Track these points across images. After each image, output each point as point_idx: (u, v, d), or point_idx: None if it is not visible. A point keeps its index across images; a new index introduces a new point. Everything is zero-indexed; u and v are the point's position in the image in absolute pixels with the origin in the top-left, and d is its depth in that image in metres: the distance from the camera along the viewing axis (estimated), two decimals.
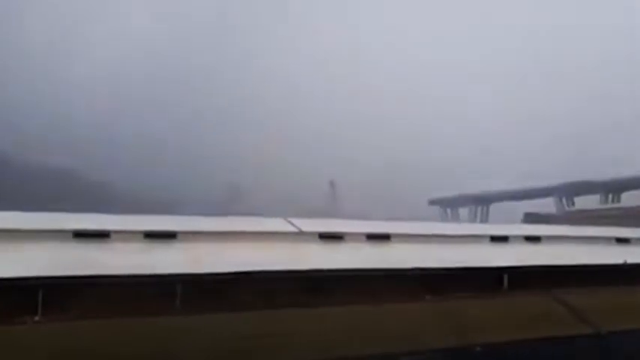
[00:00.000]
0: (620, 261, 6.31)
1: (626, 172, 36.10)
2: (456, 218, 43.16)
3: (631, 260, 6.33)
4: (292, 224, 5.66)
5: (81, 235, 4.79)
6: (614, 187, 37.98)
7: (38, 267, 4.11)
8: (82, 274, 4.14)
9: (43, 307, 3.98)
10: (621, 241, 7.22)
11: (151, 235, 4.95)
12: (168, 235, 5.00)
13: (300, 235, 5.49)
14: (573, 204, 38.96)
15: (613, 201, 37.10)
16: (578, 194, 39.74)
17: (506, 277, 5.58)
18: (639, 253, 6.76)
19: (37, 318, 3.95)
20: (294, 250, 5.14)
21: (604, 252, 6.70)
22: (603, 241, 7.17)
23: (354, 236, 5.62)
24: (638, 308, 5.37)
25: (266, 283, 4.55)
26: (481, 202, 43.98)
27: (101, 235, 4.85)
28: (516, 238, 6.54)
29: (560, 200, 40.00)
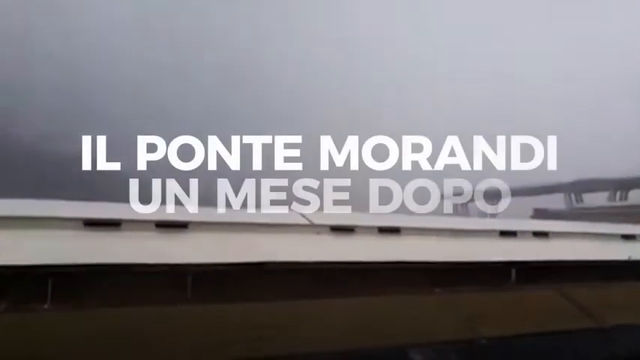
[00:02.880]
0: (624, 257, 6.31)
1: (634, 171, 35.89)
2: (465, 213, 43.03)
3: (635, 256, 6.32)
4: (304, 216, 5.67)
5: (91, 223, 4.77)
6: (622, 185, 37.72)
7: (48, 255, 4.07)
8: (92, 263, 4.11)
9: (52, 295, 3.97)
10: (626, 237, 7.18)
11: (163, 225, 4.95)
12: (180, 225, 5.00)
13: (312, 228, 5.50)
14: (582, 201, 38.82)
15: (621, 198, 36.93)
16: (586, 191, 39.53)
17: (514, 272, 5.58)
18: None
19: (46, 306, 3.94)
20: (305, 243, 5.16)
21: (610, 248, 6.68)
22: (609, 237, 7.15)
23: (365, 229, 5.63)
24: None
25: (278, 275, 4.56)
26: (490, 198, 43.74)
27: (112, 224, 4.84)
28: (525, 233, 6.53)
29: (569, 197, 39.81)
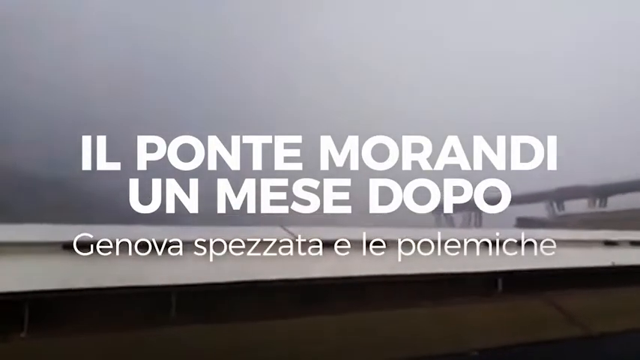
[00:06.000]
0: (608, 263, 6.38)
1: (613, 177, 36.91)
2: (450, 224, 43.36)
3: (618, 262, 6.40)
4: (289, 232, 5.59)
5: (70, 247, 4.62)
6: (602, 192, 38.61)
7: (25, 281, 3.93)
8: (70, 288, 3.98)
9: (29, 323, 3.83)
10: (609, 243, 7.30)
11: (144, 246, 4.82)
12: (162, 246, 4.88)
13: (297, 244, 5.42)
14: (564, 208, 39.59)
15: (600, 205, 37.80)
16: (568, 199, 40.31)
17: (500, 281, 5.60)
18: (626, 255, 6.82)
19: (22, 335, 3.80)
20: (291, 259, 5.08)
21: (593, 255, 6.77)
22: (592, 244, 7.24)
23: (352, 244, 5.58)
24: (626, 310, 5.43)
25: (263, 293, 4.49)
26: (474, 208, 44.23)
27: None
28: (510, 242, 6.56)
29: (551, 205, 40.56)
